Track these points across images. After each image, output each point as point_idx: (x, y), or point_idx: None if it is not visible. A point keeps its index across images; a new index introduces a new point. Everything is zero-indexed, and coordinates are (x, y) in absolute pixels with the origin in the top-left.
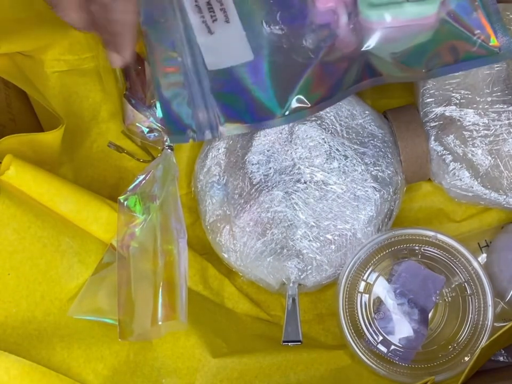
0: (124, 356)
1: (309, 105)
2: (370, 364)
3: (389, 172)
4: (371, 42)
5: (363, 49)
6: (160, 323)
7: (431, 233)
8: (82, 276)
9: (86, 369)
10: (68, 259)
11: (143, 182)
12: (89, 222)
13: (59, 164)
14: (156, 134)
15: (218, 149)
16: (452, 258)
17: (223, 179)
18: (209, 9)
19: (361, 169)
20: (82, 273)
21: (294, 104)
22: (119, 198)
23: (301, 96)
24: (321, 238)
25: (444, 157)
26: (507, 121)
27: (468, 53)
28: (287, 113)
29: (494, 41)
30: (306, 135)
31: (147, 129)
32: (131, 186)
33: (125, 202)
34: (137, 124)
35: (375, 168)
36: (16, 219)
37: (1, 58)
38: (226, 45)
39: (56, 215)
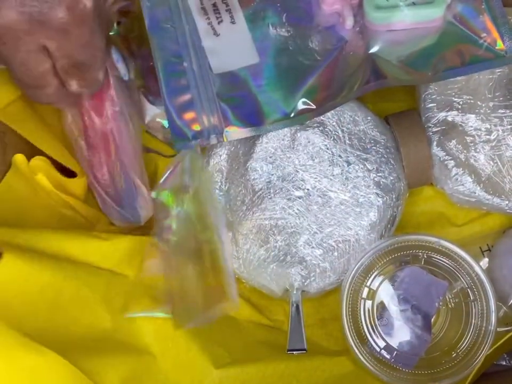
0: (127, 370)
1: (315, 107)
2: (373, 370)
3: (392, 178)
4: (377, 45)
5: (369, 51)
6: (213, 306)
7: (434, 239)
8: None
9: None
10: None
11: (172, 175)
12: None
13: None
14: None
15: (220, 156)
16: (455, 264)
17: (225, 186)
18: (215, 11)
19: (364, 176)
20: (107, 319)
21: (300, 106)
22: (151, 194)
23: (307, 98)
24: (324, 244)
25: (446, 162)
26: (509, 126)
27: (474, 56)
28: (292, 115)
29: (500, 45)
30: (309, 142)
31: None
32: (161, 181)
33: (158, 198)
34: (157, 119)
35: (377, 174)
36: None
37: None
38: (232, 47)
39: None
